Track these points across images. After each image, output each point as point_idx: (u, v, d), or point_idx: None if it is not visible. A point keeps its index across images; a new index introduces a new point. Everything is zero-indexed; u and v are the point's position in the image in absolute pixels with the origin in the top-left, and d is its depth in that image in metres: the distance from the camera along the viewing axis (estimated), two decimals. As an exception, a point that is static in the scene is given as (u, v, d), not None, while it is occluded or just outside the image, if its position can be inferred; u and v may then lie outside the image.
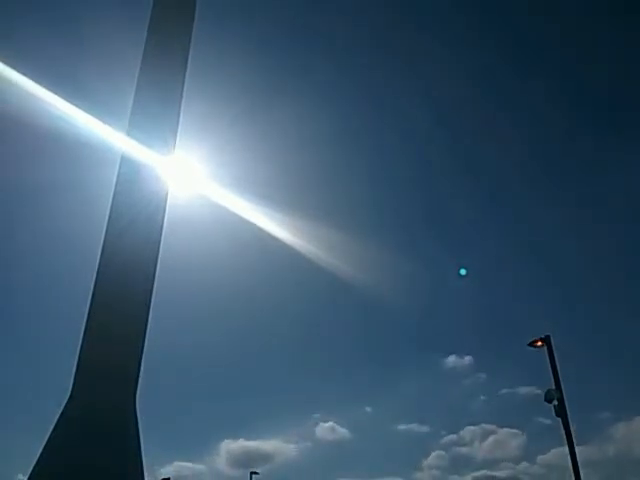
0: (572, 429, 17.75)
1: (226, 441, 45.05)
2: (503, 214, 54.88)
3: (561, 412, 17.90)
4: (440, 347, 50.86)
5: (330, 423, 45.96)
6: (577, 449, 17.09)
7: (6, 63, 13.79)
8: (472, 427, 45.54)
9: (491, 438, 45.29)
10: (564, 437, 17.48)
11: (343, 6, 42.99)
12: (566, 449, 17.37)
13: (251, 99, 37.05)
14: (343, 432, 45.71)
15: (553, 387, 18.41)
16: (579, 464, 16.88)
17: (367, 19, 43.27)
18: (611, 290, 48.27)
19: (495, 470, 43.59)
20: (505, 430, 45.02)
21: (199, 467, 44.19)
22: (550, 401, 18.14)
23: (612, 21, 49.99)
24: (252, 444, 43.65)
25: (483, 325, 53.96)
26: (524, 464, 43.92)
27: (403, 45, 47.07)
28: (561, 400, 18.05)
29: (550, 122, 50.84)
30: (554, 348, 19.30)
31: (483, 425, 45.39)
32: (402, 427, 46.44)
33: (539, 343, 19.66)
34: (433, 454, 45.10)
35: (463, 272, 43.55)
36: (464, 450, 45.19)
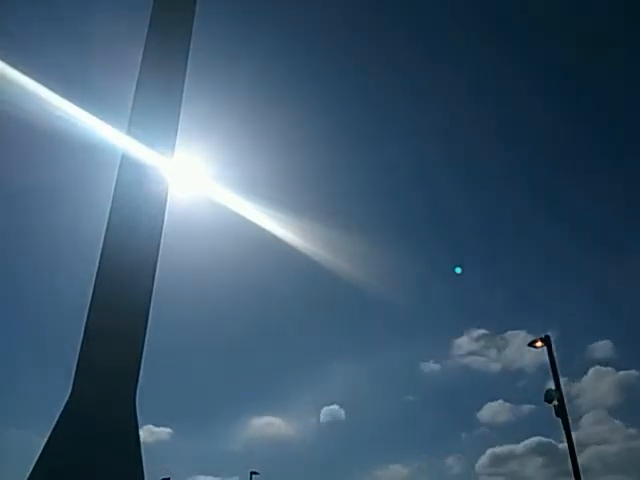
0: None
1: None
2: (502, 214, 54.90)
3: (561, 412, 17.86)
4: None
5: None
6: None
7: (6, 61, 13.76)
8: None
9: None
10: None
11: (347, 5, 43.00)
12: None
13: (254, 99, 37.10)
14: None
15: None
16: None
17: (367, 19, 43.24)
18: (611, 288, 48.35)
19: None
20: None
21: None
22: (550, 401, 18.08)
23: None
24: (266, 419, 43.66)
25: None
26: None
27: (404, 45, 47.04)
28: (561, 400, 18.00)
29: (554, 122, 50.82)
30: (554, 348, 19.32)
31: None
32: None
33: (539, 343, 19.62)
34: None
35: (458, 270, 43.47)
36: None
